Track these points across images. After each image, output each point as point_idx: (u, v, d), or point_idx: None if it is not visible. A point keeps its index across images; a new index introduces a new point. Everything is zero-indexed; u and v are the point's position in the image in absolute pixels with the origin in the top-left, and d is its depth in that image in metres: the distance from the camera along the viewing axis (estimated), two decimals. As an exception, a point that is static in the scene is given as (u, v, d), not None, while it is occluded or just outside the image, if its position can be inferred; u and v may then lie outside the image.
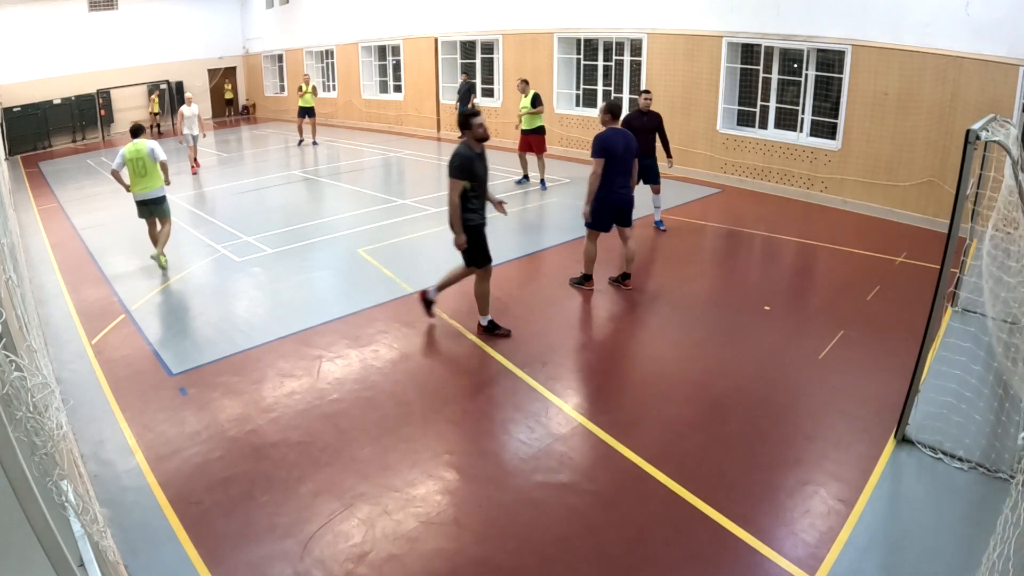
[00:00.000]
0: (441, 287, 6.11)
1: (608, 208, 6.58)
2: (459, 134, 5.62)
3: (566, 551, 3.45)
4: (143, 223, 8.07)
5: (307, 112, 17.11)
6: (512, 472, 4.12)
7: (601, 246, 6.84)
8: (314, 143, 17.39)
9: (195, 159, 14.54)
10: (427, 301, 6.22)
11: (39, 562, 1.71)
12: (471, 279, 5.92)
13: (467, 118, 5.53)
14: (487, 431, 4.58)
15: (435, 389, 5.09)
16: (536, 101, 11.33)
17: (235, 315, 6.63)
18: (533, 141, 11.43)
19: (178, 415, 4.78)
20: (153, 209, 7.82)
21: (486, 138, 5.55)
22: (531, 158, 11.72)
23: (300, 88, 17.09)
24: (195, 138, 14.31)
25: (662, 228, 9.02)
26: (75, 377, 5.40)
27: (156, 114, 23.03)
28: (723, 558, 3.38)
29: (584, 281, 6.97)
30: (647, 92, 8.72)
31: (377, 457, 4.23)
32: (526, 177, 11.97)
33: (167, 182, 7.84)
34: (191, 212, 10.73)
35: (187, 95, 15.23)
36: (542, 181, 11.60)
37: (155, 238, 7.97)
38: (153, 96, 23.05)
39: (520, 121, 11.49)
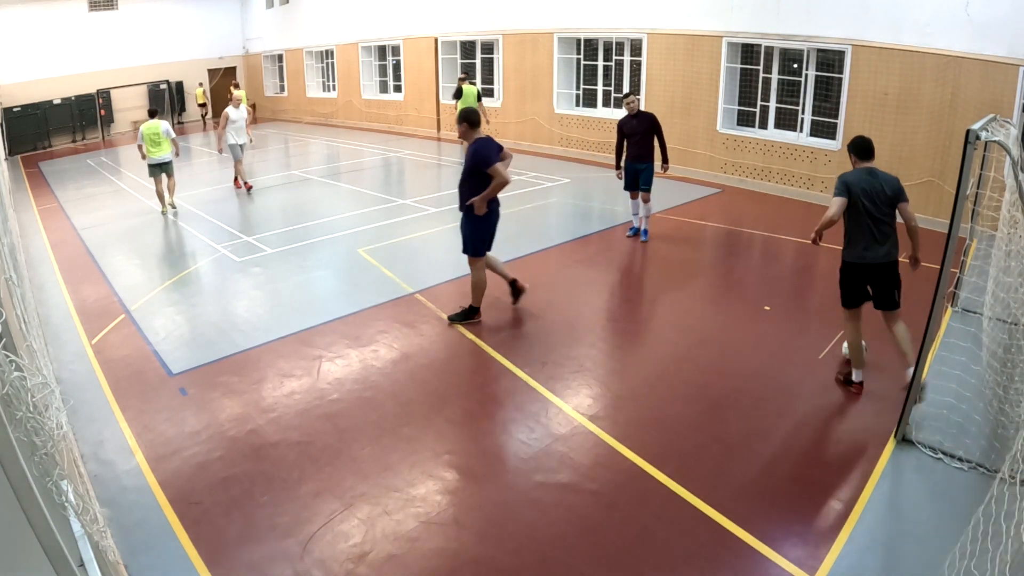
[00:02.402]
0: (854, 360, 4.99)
1: (492, 227, 5.98)
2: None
3: (566, 551, 3.45)
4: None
5: None
6: (512, 472, 4.12)
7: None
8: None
9: (244, 179, 12.20)
10: (852, 381, 4.99)
11: (39, 562, 1.71)
12: None
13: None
14: (487, 431, 4.58)
15: (435, 389, 5.09)
16: (456, 94, 13.27)
17: (235, 315, 6.63)
18: None
19: (178, 415, 4.78)
20: (164, 168, 10.42)
21: None
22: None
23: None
24: (243, 148, 11.88)
25: (643, 240, 8.48)
26: (75, 377, 5.41)
27: (203, 105, 23.59)
28: (723, 558, 3.37)
29: (472, 314, 6.15)
30: (628, 95, 8.25)
31: (377, 457, 4.23)
32: None
33: (176, 154, 10.59)
34: (192, 212, 10.73)
35: (235, 93, 12.19)
36: None
37: (161, 194, 10.53)
38: (200, 89, 23.74)
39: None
